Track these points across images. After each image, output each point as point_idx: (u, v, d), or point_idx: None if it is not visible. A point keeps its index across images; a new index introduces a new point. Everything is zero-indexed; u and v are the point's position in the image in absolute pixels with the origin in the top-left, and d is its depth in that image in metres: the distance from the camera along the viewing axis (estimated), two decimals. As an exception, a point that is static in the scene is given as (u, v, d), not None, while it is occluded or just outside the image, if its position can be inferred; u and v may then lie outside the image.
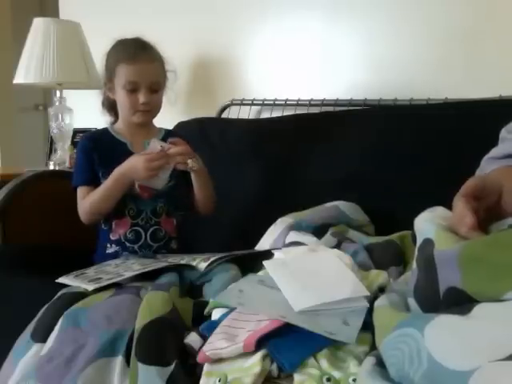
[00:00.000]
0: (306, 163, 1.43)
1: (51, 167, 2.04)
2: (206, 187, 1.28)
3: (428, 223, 0.65)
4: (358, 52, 1.60)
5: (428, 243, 0.62)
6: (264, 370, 0.66)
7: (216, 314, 0.80)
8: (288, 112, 1.66)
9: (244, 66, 1.86)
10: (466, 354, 0.47)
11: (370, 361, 0.58)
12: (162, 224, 1.28)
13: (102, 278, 1.00)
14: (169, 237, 1.29)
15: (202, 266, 1.00)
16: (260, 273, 0.90)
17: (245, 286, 0.84)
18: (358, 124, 1.41)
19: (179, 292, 0.93)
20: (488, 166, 0.81)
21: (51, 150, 2.19)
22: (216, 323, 0.76)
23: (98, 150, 1.25)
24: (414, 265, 0.66)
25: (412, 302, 0.64)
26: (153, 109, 1.27)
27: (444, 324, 0.51)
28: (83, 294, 0.95)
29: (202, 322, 0.80)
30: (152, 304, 0.85)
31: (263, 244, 1.11)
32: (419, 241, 0.66)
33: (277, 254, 0.96)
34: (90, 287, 0.96)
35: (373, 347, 0.66)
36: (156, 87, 1.25)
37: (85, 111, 1.89)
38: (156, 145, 1.20)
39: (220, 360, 0.70)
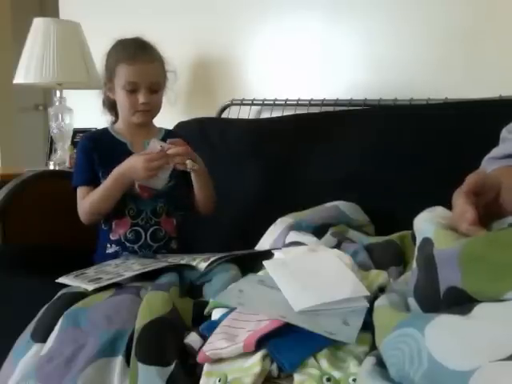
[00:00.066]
0: (306, 163, 1.43)
1: (51, 167, 2.04)
2: (206, 187, 1.28)
3: (427, 223, 0.65)
4: (357, 52, 1.60)
5: (427, 242, 0.62)
6: (264, 370, 0.66)
7: (216, 314, 0.80)
8: (288, 112, 1.66)
9: (244, 65, 1.86)
10: (467, 353, 0.47)
11: (370, 361, 0.58)
12: (162, 224, 1.28)
13: (102, 278, 1.00)
14: (169, 237, 1.29)
15: (202, 266, 1.00)
16: (260, 273, 0.90)
17: (245, 286, 0.84)
18: (357, 124, 1.41)
19: (179, 292, 0.93)
20: (488, 166, 0.81)
21: (51, 150, 2.19)
22: (216, 323, 0.76)
23: (98, 150, 1.25)
24: (414, 264, 0.66)
25: (412, 301, 0.64)
26: (153, 109, 1.27)
27: (444, 324, 0.51)
28: (83, 294, 0.95)
29: (202, 322, 0.80)
30: (152, 304, 0.85)
31: (263, 244, 1.11)
32: (418, 240, 0.66)
33: (277, 254, 0.96)
34: (90, 287, 0.96)
35: (373, 347, 0.66)
36: (156, 87, 1.25)
37: (85, 111, 1.89)
38: (156, 145, 1.20)
39: (220, 360, 0.70)
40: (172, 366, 0.73)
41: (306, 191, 1.38)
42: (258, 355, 0.67)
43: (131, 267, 1.06)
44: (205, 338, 0.75)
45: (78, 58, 1.97)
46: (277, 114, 1.68)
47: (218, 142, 1.62)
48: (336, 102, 1.58)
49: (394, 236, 1.04)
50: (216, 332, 0.73)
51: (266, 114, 1.77)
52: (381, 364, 0.57)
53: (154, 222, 1.27)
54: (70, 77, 1.96)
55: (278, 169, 1.47)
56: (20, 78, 1.96)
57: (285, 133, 1.52)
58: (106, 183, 1.20)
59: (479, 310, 0.51)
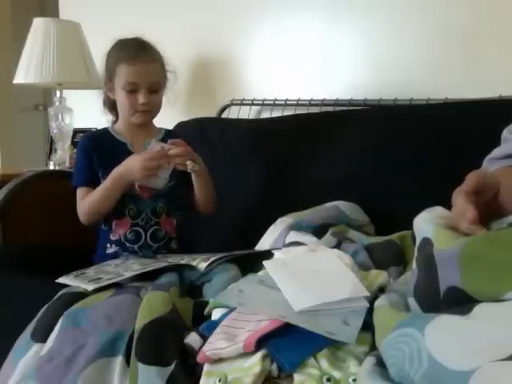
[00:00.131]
0: (305, 163, 1.43)
1: (51, 167, 2.04)
2: (207, 187, 1.28)
3: (427, 223, 0.65)
4: (358, 52, 1.60)
5: (427, 242, 0.62)
6: (264, 370, 0.66)
7: (216, 314, 0.80)
8: (288, 112, 1.66)
9: (244, 65, 1.86)
10: (467, 353, 0.47)
11: (370, 361, 0.58)
12: (162, 224, 1.28)
13: (101, 278, 1.00)
14: (169, 237, 1.29)
15: (202, 266, 1.00)
16: (260, 273, 0.90)
17: (245, 286, 0.84)
18: (357, 124, 1.41)
19: (179, 292, 0.93)
20: (489, 167, 0.82)
21: (51, 150, 2.19)
22: (216, 323, 0.76)
23: (98, 150, 1.25)
24: (414, 265, 0.66)
25: (412, 301, 0.64)
26: (152, 109, 1.27)
27: (444, 324, 0.51)
28: (83, 294, 0.95)
29: (202, 322, 0.80)
30: (152, 304, 0.85)
31: (263, 244, 1.11)
32: (418, 240, 0.66)
33: (277, 254, 0.96)
34: (90, 287, 0.96)
35: (373, 347, 0.66)
36: (156, 88, 1.25)
37: (85, 111, 1.89)
38: (156, 146, 1.19)
39: (220, 360, 0.70)
40: (172, 366, 0.73)
41: (305, 191, 1.37)
42: (258, 355, 0.67)
43: (131, 267, 1.06)
44: (205, 338, 0.75)
45: (78, 58, 1.97)
46: (277, 113, 1.68)
47: (218, 142, 1.62)
48: (336, 102, 1.58)
49: (394, 236, 1.04)
50: (216, 332, 0.73)
51: (266, 114, 1.77)
52: (381, 364, 0.57)
53: (154, 222, 1.27)
54: (70, 77, 1.96)
55: (277, 169, 1.47)
56: (20, 78, 1.96)
57: (285, 133, 1.52)
58: (105, 184, 1.20)
59: (479, 309, 0.51)
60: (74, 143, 2.06)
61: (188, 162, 1.17)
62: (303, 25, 1.70)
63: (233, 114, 1.82)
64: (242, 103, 1.79)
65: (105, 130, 1.32)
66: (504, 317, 0.49)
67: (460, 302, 0.54)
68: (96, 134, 1.36)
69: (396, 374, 0.53)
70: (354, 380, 0.61)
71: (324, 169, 1.39)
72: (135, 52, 1.23)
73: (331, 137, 1.42)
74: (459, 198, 0.65)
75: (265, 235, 1.12)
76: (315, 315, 0.71)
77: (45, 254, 1.28)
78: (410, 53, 1.51)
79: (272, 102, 1.72)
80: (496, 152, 0.84)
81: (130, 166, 1.17)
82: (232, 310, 0.78)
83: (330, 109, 1.58)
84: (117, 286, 0.98)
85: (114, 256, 1.23)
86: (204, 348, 0.71)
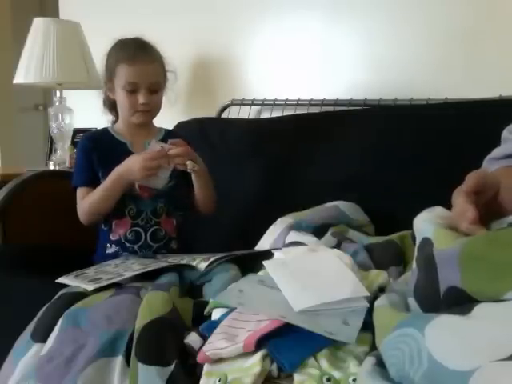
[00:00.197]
0: (306, 163, 1.43)
1: (51, 167, 2.04)
2: (207, 187, 1.28)
3: (426, 223, 0.65)
4: (358, 52, 1.60)
5: (427, 242, 0.62)
6: (264, 369, 0.66)
7: (216, 314, 0.80)
8: (288, 112, 1.66)
9: (244, 66, 1.86)
10: (467, 353, 0.47)
11: (370, 361, 0.58)
12: (162, 224, 1.28)
13: (101, 278, 1.00)
14: (169, 237, 1.29)
15: (202, 266, 1.00)
16: (260, 273, 0.90)
17: (245, 286, 0.84)
18: (358, 124, 1.41)
19: (179, 292, 0.93)
20: (489, 167, 0.82)
21: (51, 150, 2.19)
22: (216, 323, 0.76)
23: (98, 150, 1.25)
24: (414, 265, 0.66)
25: (412, 301, 0.64)
26: (152, 109, 1.27)
27: (444, 324, 0.51)
28: (83, 294, 0.95)
29: (202, 322, 0.80)
30: (152, 304, 0.85)
31: (263, 244, 1.11)
32: (418, 240, 0.66)
33: (277, 254, 0.96)
34: (90, 287, 0.96)
35: (373, 347, 0.66)
36: (156, 88, 1.25)
37: (85, 111, 1.89)
38: (156, 146, 1.19)
39: (220, 360, 0.70)
40: (172, 366, 0.73)
41: (305, 191, 1.37)
42: (258, 355, 0.67)
43: (131, 267, 1.06)
44: (205, 338, 0.75)
45: (78, 58, 1.97)
46: (277, 114, 1.68)
47: (218, 142, 1.62)
48: (336, 102, 1.58)
49: (394, 236, 1.04)
50: (216, 332, 0.73)
51: (266, 114, 1.77)
52: (381, 364, 0.57)
53: (154, 223, 1.26)
54: (70, 77, 1.96)
55: (277, 169, 1.47)
56: (20, 78, 1.96)
57: (285, 133, 1.52)
58: (105, 184, 1.20)
59: (479, 310, 0.51)
60: (74, 143, 2.06)
61: (188, 162, 1.17)
62: (303, 25, 1.70)
63: (233, 114, 1.82)
64: (242, 103, 1.79)
65: (105, 130, 1.32)
66: (504, 317, 0.49)
67: (460, 301, 0.54)
68: (96, 134, 1.36)
69: (396, 374, 0.53)
70: (354, 380, 0.61)
71: (324, 169, 1.38)
72: (135, 52, 1.23)
73: (331, 137, 1.42)
74: (459, 198, 0.65)
75: (265, 235, 1.12)
76: (315, 315, 0.71)
77: (45, 253, 1.28)
78: (410, 53, 1.51)
79: (272, 102, 1.72)
80: (496, 152, 0.84)
81: (130, 166, 1.17)
82: (232, 310, 0.78)
83: (330, 109, 1.58)
84: (117, 286, 0.98)
85: (114, 256, 1.23)
86: (204, 348, 0.71)
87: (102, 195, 1.20)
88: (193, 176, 1.25)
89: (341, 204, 1.20)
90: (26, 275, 1.14)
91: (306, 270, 0.84)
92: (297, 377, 0.64)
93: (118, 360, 0.80)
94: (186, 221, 1.37)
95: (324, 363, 0.64)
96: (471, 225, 0.60)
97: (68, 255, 1.28)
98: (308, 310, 0.72)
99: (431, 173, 1.21)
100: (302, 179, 1.41)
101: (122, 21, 2.05)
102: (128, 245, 1.24)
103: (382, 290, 0.80)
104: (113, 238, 1.25)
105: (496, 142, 0.86)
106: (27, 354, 0.87)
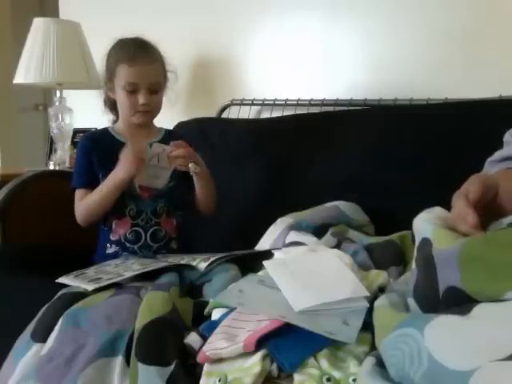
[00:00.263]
0: (306, 163, 1.43)
1: (51, 167, 2.04)
2: (208, 188, 1.28)
3: (426, 223, 0.65)
4: (358, 52, 1.60)
5: (426, 243, 0.62)
6: (264, 370, 0.66)
7: (216, 314, 0.80)
8: (288, 112, 1.66)
9: (244, 66, 1.86)
10: (466, 353, 0.47)
11: (369, 361, 0.58)
12: (162, 224, 1.27)
13: (101, 277, 1.00)
14: (169, 237, 1.29)
15: (202, 266, 1.00)
16: (260, 273, 0.90)
17: (245, 286, 0.84)
18: (357, 124, 1.41)
19: (179, 292, 0.93)
20: (490, 169, 0.82)
21: (51, 149, 2.19)
22: (216, 323, 0.76)
23: (98, 150, 1.25)
24: (414, 265, 0.66)
25: (412, 302, 0.64)
26: (153, 109, 1.27)
27: (444, 324, 0.51)
28: (83, 294, 0.95)
29: (202, 322, 0.80)
30: (152, 304, 0.85)
31: (263, 244, 1.11)
32: (418, 241, 0.66)
33: (277, 254, 0.96)
34: (90, 287, 0.96)
35: (373, 347, 0.66)
36: (156, 88, 1.25)
37: (85, 111, 1.89)
38: (158, 148, 1.19)
39: (220, 360, 0.70)
40: (172, 366, 0.73)
41: (305, 191, 1.37)
42: (258, 355, 0.67)
43: (131, 267, 1.06)
44: (205, 338, 0.75)
45: (78, 58, 1.97)
46: (277, 114, 1.68)
47: (218, 142, 1.62)
48: (336, 102, 1.58)
49: (394, 236, 1.04)
50: (216, 332, 0.73)
51: (266, 114, 1.77)
52: (381, 364, 0.57)
53: (154, 223, 1.26)
54: (70, 77, 1.96)
55: (277, 169, 1.47)
56: (20, 78, 1.96)
57: (285, 133, 1.52)
58: (102, 188, 1.19)
59: (479, 310, 0.51)
60: (74, 143, 2.06)
61: (190, 165, 1.17)
62: (303, 25, 1.70)
63: (233, 114, 1.82)
64: (242, 103, 1.79)
65: (105, 130, 1.32)
66: (503, 317, 0.49)
67: (459, 302, 0.54)
68: (96, 134, 1.36)
69: (396, 374, 0.53)
70: (354, 380, 0.61)
71: (324, 169, 1.38)
72: (135, 52, 1.22)
73: (331, 137, 1.42)
74: (459, 200, 0.64)
75: (265, 235, 1.12)
76: (315, 315, 0.71)
77: (45, 253, 1.28)
78: (410, 53, 1.51)
79: (272, 102, 1.72)
80: (497, 155, 0.84)
81: (123, 162, 1.16)
82: (232, 310, 0.78)
83: (330, 109, 1.58)
84: (117, 286, 0.98)
85: (114, 256, 1.23)
86: (204, 348, 0.71)
87: (99, 198, 1.19)
88: (194, 177, 1.24)
89: (341, 204, 1.20)
90: (26, 275, 1.14)
91: (305, 270, 0.84)
92: (297, 377, 0.64)
93: (118, 360, 0.80)
94: (186, 221, 1.37)
95: (324, 363, 0.64)
96: (471, 229, 0.60)
97: (68, 255, 1.28)
98: (308, 309, 0.72)
99: (431, 173, 1.21)
100: (302, 179, 1.41)
101: (122, 21, 2.05)
102: (128, 245, 1.24)
103: (381, 290, 0.80)
104: (113, 238, 1.25)
105: (496, 142, 0.86)
106: (27, 354, 0.87)
